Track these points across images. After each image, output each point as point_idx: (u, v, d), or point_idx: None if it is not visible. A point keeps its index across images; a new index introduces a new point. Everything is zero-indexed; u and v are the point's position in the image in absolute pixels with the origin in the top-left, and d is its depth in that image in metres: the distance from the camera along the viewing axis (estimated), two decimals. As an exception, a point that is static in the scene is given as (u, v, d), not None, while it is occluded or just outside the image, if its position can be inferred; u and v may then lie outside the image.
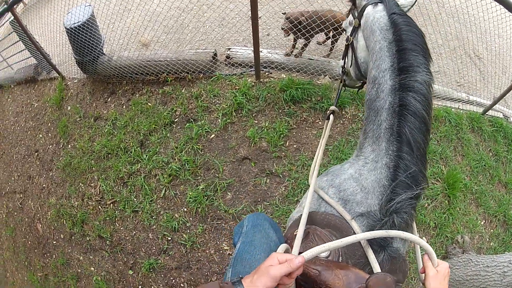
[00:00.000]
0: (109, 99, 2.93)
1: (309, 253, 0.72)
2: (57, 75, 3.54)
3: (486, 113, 3.37)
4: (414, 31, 0.94)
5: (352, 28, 1.17)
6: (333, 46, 2.78)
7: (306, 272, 0.76)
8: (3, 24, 5.81)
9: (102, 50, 3.09)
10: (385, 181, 0.88)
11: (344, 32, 1.29)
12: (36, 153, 3.77)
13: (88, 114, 3.04)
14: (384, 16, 0.99)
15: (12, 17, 3.40)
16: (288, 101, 2.42)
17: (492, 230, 3.14)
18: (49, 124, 3.54)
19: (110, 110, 2.87)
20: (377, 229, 0.84)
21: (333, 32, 2.63)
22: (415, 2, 1.16)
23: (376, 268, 0.81)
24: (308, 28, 2.40)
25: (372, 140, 0.95)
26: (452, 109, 3.08)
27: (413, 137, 0.86)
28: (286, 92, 2.41)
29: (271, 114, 2.44)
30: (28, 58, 4.13)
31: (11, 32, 4.19)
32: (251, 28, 2.23)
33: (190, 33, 2.74)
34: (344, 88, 1.48)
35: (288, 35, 2.52)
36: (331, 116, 1.39)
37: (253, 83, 2.49)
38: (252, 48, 2.37)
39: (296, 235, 0.94)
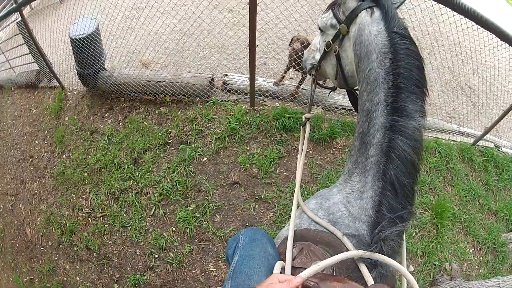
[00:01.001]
0: (106, 114, 2.92)
1: (306, 273, 0.74)
2: (58, 84, 3.52)
3: (477, 144, 3.41)
4: (417, 65, 0.83)
5: (336, 32, 0.99)
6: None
7: (305, 284, 0.76)
8: (9, 24, 5.78)
9: (104, 65, 3.09)
10: (370, 211, 0.88)
11: (321, 32, 1.09)
12: (30, 159, 3.72)
13: (85, 126, 3.03)
14: (382, 33, 0.85)
15: (19, 18, 3.37)
16: (280, 129, 2.44)
17: (481, 258, 3.16)
18: (45, 132, 3.51)
19: (107, 125, 2.87)
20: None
21: None
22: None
23: (370, 281, 0.80)
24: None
25: (360, 171, 0.93)
26: (443, 140, 3.12)
27: (398, 180, 0.83)
28: (279, 121, 2.44)
29: (263, 141, 2.46)
30: (31, 63, 4.11)
31: (17, 34, 4.16)
32: (248, 56, 2.26)
33: (189, 56, 2.76)
34: (316, 86, 1.32)
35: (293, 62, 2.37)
36: (308, 124, 1.30)
37: (247, 110, 2.51)
38: (248, 76, 2.40)
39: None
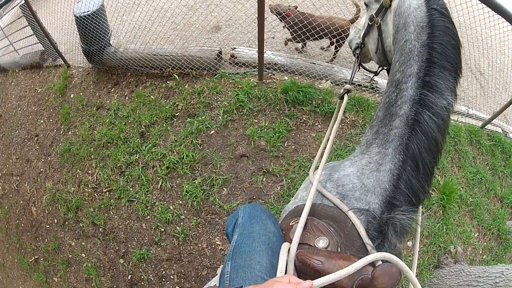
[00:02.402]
0: (112, 90, 2.83)
1: (319, 281, 0.66)
2: (63, 62, 3.42)
3: (485, 127, 3.34)
4: (453, 44, 0.81)
5: (379, 6, 0.99)
6: (336, 52, 2.73)
7: (309, 263, 0.71)
8: (13, 8, 5.63)
9: (109, 41, 3.00)
10: (387, 185, 0.83)
11: (366, 8, 1.10)
12: (36, 138, 3.64)
13: (91, 102, 2.94)
14: (422, 8, 0.84)
15: (23, 1, 3.27)
16: (289, 103, 2.36)
17: (485, 243, 3.11)
18: (51, 110, 3.42)
19: (113, 100, 2.78)
20: (375, 228, 0.79)
21: (336, 38, 2.58)
22: None
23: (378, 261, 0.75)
24: (295, 28, 2.37)
25: (381, 142, 0.88)
26: (451, 121, 3.06)
27: (421, 156, 0.80)
28: (288, 94, 2.36)
29: (272, 114, 2.38)
30: (35, 44, 4.00)
31: (20, 17, 4.04)
32: (256, 30, 2.17)
33: (196, 30, 2.66)
34: (359, 67, 1.27)
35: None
36: (345, 96, 1.20)
37: (255, 83, 2.43)
38: (257, 49, 2.31)
39: (292, 225, 0.90)
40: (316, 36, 2.39)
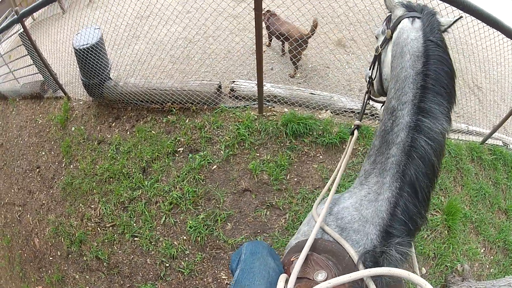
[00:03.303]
0: (113, 124, 2.81)
1: None
2: (63, 94, 3.41)
3: (486, 142, 3.34)
4: (447, 71, 0.84)
5: (383, 38, 1.05)
6: (295, 66, 2.86)
7: None
8: (11, 36, 5.65)
9: (109, 75, 2.99)
10: (384, 214, 0.82)
11: (376, 40, 1.15)
12: (37, 169, 3.60)
13: (92, 136, 2.92)
14: (419, 39, 0.87)
15: (22, 29, 3.25)
16: (290, 135, 2.35)
17: (492, 257, 3.08)
18: (52, 142, 3.39)
19: (114, 134, 2.76)
20: (371, 259, 0.79)
21: (289, 47, 2.70)
22: (453, 22, 0.98)
23: None
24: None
25: (379, 171, 0.88)
26: (452, 140, 3.05)
27: (418, 181, 0.80)
28: (288, 126, 2.35)
29: (273, 147, 2.36)
30: (35, 74, 3.99)
31: (20, 45, 4.04)
32: (255, 62, 2.17)
33: (196, 64, 2.66)
34: (368, 101, 1.30)
35: None
36: (356, 132, 1.22)
37: (256, 117, 2.42)
38: (256, 82, 2.31)
39: (292, 261, 0.90)
40: (278, 39, 2.56)
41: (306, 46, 2.68)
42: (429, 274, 2.60)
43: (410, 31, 0.90)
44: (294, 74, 2.91)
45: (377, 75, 1.09)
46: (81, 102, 3.17)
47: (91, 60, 2.86)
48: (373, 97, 1.29)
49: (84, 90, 3.10)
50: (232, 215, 2.33)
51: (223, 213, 2.32)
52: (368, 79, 1.23)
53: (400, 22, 0.95)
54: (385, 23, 1.08)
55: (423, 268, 2.59)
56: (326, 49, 2.73)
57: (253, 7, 1.90)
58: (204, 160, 2.39)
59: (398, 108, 0.86)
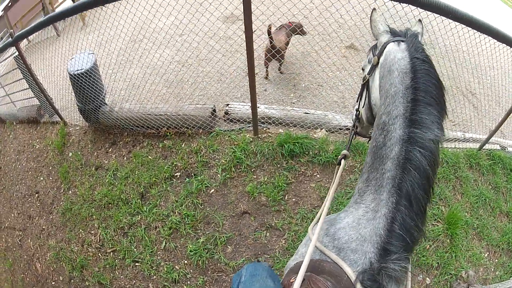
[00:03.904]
0: (110, 150, 2.82)
1: None
2: (60, 119, 3.42)
3: (483, 148, 3.35)
4: (434, 83, 0.86)
5: (370, 66, 1.07)
6: (266, 68, 2.94)
7: None
8: (7, 59, 5.66)
9: (104, 100, 3.00)
10: (382, 231, 0.83)
11: (363, 72, 1.17)
12: (36, 194, 3.60)
13: (90, 162, 2.93)
14: (405, 58, 0.90)
15: (17, 53, 3.24)
16: (286, 155, 2.37)
17: (496, 260, 3.08)
18: (50, 168, 3.40)
19: (111, 160, 2.77)
20: (369, 278, 0.79)
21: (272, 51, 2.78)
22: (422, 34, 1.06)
23: None
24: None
25: (374, 188, 0.89)
26: (449, 149, 3.06)
27: (414, 193, 0.81)
28: (284, 147, 2.36)
29: (270, 169, 2.38)
30: (31, 98, 3.99)
31: (15, 68, 4.04)
32: (248, 84, 2.19)
33: (189, 88, 2.68)
34: (355, 136, 1.31)
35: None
36: (343, 161, 1.22)
37: (251, 139, 2.43)
38: (250, 104, 2.33)
39: (292, 282, 0.90)
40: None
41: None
42: (434, 283, 2.60)
43: (397, 52, 0.94)
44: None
45: (365, 102, 1.10)
46: (78, 128, 3.18)
47: (85, 85, 2.86)
48: (360, 133, 1.30)
49: (80, 115, 3.11)
50: (232, 238, 2.34)
51: (223, 236, 2.33)
52: (355, 113, 1.24)
53: (386, 47, 0.98)
54: (370, 52, 1.11)
55: (427, 278, 2.60)
56: (319, 68, 2.76)
57: (243, 29, 1.91)
58: (201, 184, 2.40)
59: (390, 123, 0.87)
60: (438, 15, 1.96)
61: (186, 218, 2.39)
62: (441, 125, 0.84)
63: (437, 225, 2.65)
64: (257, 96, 2.31)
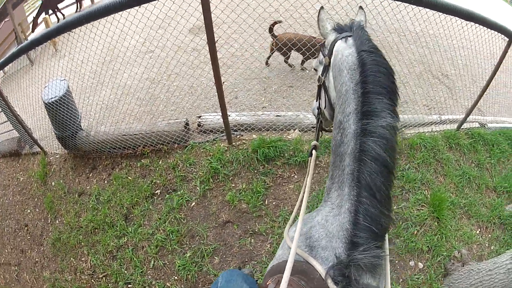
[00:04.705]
0: (91, 175, 2.86)
1: None
2: (40, 149, 3.45)
3: (462, 128, 3.38)
4: (383, 71, 0.87)
5: (323, 67, 1.08)
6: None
7: None
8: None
9: (80, 125, 3.03)
10: (348, 225, 0.84)
11: (316, 71, 1.18)
12: (26, 227, 3.62)
13: (72, 189, 2.96)
14: (352, 54, 0.92)
15: None
16: (262, 160, 2.40)
17: (489, 235, 3.10)
18: (35, 199, 3.42)
19: (93, 185, 2.80)
20: (338, 273, 0.80)
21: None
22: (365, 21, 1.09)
23: None
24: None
25: (337, 185, 0.91)
26: (426, 134, 3.10)
27: (373, 182, 0.82)
28: (259, 152, 2.40)
29: (247, 175, 2.42)
30: (10, 130, 4.02)
31: (-8, 102, 4.06)
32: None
33: (161, 103, 2.72)
34: (321, 131, 1.35)
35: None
36: (314, 152, 1.25)
37: (226, 148, 2.47)
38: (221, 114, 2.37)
39: (268, 284, 0.94)
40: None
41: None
42: (427, 267, 2.63)
43: (344, 49, 0.95)
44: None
45: (326, 103, 1.12)
46: (58, 156, 3.21)
47: (60, 112, 2.90)
48: (325, 127, 1.33)
49: (59, 143, 3.14)
50: (217, 248, 2.37)
51: (209, 248, 2.36)
52: (317, 111, 1.27)
53: (334, 45, 1.00)
54: (320, 52, 1.12)
55: (419, 263, 2.62)
56: (288, 69, 2.80)
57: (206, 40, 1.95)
58: (182, 199, 2.43)
59: (344, 120, 0.89)
60: (407, 4, 2.01)
61: (171, 235, 2.42)
62: (393, 111, 0.85)
63: (422, 210, 2.69)
64: (228, 104, 2.36)
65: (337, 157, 0.92)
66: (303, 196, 1.13)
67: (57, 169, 3.16)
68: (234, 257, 2.36)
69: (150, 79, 2.78)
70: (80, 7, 8.48)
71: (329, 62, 1.02)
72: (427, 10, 2.19)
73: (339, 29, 1.04)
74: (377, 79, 0.86)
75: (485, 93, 3.27)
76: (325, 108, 1.15)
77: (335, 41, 1.00)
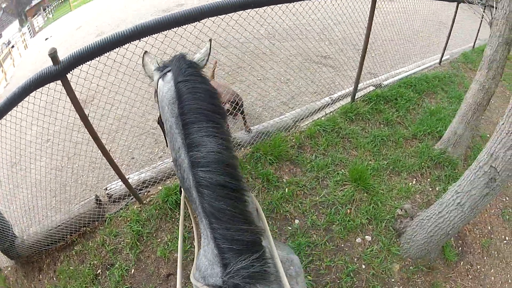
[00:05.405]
0: (40, 276, 2.93)
1: None
2: (-6, 264, 3.51)
3: (356, 98, 3.39)
4: (199, 97, 0.89)
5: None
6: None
7: None
8: None
9: (14, 234, 3.09)
10: (216, 251, 0.89)
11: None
12: None
13: (32, 295, 3.04)
14: (171, 88, 0.92)
15: None
16: (174, 208, 2.47)
17: (428, 179, 3.14)
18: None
19: (46, 286, 2.88)
20: None
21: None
22: (209, 47, 1.09)
23: None
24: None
25: (200, 217, 0.96)
26: (322, 118, 3.14)
27: (215, 208, 0.85)
28: (169, 201, 2.47)
29: (167, 226, 2.49)
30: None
31: None
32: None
33: (71, 188, 2.76)
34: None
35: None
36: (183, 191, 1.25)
37: (139, 208, 2.53)
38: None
39: None
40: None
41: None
42: (375, 237, 2.66)
43: (163, 86, 0.96)
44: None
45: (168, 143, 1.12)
46: (9, 268, 3.28)
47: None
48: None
49: (5, 256, 3.20)
50: (170, 301, 2.48)
51: (162, 304, 2.47)
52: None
53: (157, 85, 1.00)
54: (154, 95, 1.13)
55: (366, 237, 2.67)
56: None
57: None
58: (121, 270, 2.51)
59: (177, 156, 0.91)
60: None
61: (124, 307, 2.53)
62: (214, 133, 0.87)
63: (346, 188, 2.76)
64: (127, 167, 2.40)
65: (187, 192, 0.95)
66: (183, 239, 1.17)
67: (14, 281, 3.23)
68: (187, 303, 2.47)
69: (55, 167, 2.81)
70: None
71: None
72: (287, 4, 2.18)
73: (162, 67, 1.04)
74: (192, 107, 0.87)
75: (372, 56, 3.30)
76: (167, 147, 1.17)
77: (156, 82, 1.01)
